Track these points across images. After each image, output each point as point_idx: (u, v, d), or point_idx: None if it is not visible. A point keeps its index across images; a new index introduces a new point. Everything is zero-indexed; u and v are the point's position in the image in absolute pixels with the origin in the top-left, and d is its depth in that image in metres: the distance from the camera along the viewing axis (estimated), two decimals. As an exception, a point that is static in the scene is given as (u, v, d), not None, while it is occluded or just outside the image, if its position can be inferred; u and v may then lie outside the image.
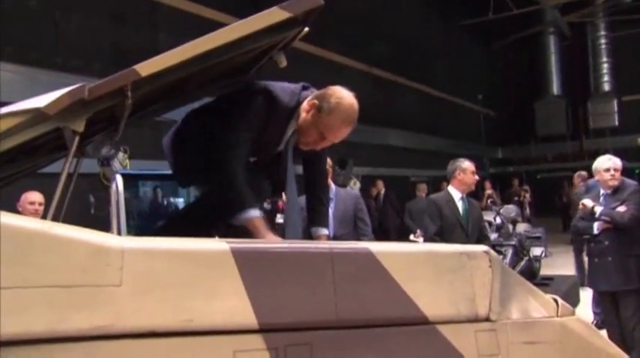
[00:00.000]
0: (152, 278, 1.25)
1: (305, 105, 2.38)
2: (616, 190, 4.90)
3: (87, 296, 1.19)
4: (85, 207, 7.60)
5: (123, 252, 1.24)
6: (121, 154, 4.04)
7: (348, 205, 5.00)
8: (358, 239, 4.98)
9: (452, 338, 1.42)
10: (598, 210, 4.85)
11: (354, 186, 10.96)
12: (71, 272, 1.18)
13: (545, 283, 7.92)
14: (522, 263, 7.14)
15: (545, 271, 8.77)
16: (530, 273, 7.75)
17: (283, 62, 2.46)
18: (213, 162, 2.25)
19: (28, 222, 1.20)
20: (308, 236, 2.69)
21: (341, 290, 1.35)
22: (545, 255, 7.90)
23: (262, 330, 1.30)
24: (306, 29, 2.39)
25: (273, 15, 1.91)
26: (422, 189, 11.96)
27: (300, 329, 1.32)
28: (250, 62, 2.60)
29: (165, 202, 10.53)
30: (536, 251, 7.58)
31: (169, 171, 2.72)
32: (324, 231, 2.68)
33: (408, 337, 1.40)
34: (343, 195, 5.13)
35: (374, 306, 1.38)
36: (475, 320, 1.46)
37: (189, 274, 1.28)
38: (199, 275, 1.28)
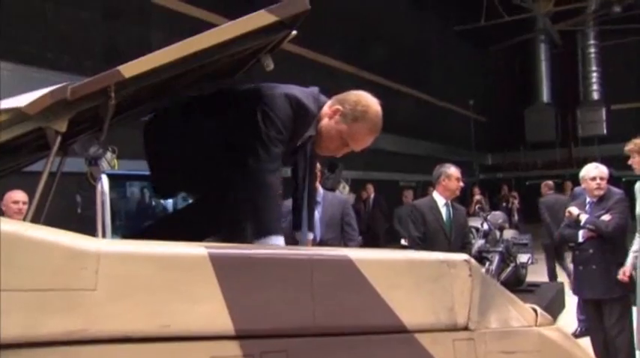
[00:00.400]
0: (128, 282, 1.24)
1: (327, 110, 2.27)
2: (602, 198, 4.93)
3: (61, 300, 1.17)
4: (72, 207, 7.56)
5: (99, 255, 1.22)
6: (109, 154, 4.01)
7: (336, 210, 5.00)
8: (345, 243, 4.99)
9: (430, 347, 1.41)
10: (583, 218, 4.88)
11: (343, 190, 10.96)
12: (45, 276, 1.16)
13: (531, 290, 7.96)
14: (509, 269, 7.16)
15: (531, 278, 8.82)
16: (517, 280, 7.78)
17: (270, 65, 2.42)
18: (249, 174, 2.08)
19: (3, 225, 1.18)
20: (292, 239, 2.67)
21: (319, 298, 1.34)
22: (532, 262, 7.93)
23: (239, 337, 1.28)
24: (294, 32, 2.39)
25: (260, 18, 1.90)
26: (408, 195, 12.06)
27: (277, 336, 1.31)
28: (238, 64, 2.59)
29: (153, 203, 10.50)
30: (523, 258, 7.60)
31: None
32: (310, 235, 2.66)
33: (385, 345, 1.40)
34: (331, 199, 5.12)
35: (352, 314, 1.37)
36: (454, 328, 1.46)
37: (166, 279, 1.26)
38: (176, 280, 1.27)
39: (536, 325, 1.59)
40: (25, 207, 4.87)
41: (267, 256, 1.37)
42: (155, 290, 1.25)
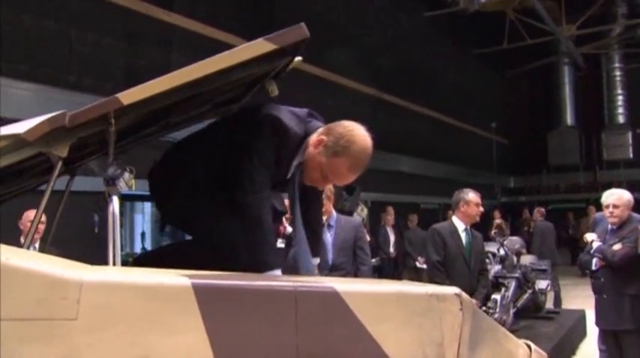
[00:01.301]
0: (110, 312, 1.23)
1: (314, 138, 2.17)
2: (621, 226, 4.82)
3: (41, 330, 1.17)
4: (90, 226, 7.64)
5: (81, 284, 1.22)
6: (127, 174, 4.04)
7: (348, 234, 4.97)
8: (357, 268, 4.95)
9: (417, 383, 1.38)
10: (595, 245, 4.78)
11: (362, 213, 10.90)
12: (25, 305, 1.17)
13: (550, 317, 7.79)
14: (526, 296, 7.02)
15: (551, 304, 8.64)
16: (535, 306, 7.63)
17: (275, 91, 2.41)
18: (238, 208, 2.03)
19: (-17, 253, 1.19)
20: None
21: (303, 331, 1.32)
22: (551, 288, 7.78)
23: (220, 369, 1.27)
24: (299, 58, 2.39)
25: (259, 47, 1.91)
26: (412, 219, 12.01)
27: (259, 369, 1.29)
28: (243, 89, 2.61)
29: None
30: (542, 284, 7.46)
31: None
32: (315, 261, 2.63)
33: (371, 380, 1.37)
34: (344, 223, 5.10)
35: (337, 348, 1.35)
36: (443, 364, 1.42)
37: (148, 309, 1.25)
38: (158, 311, 1.26)
39: (529, 362, 1.54)
40: (43, 226, 4.93)
41: (251, 287, 1.36)
42: (136, 321, 1.24)
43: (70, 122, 1.73)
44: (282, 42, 1.93)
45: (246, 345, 1.30)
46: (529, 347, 1.58)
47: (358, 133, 2.13)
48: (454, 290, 1.48)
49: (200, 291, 1.28)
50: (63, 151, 1.89)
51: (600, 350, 6.44)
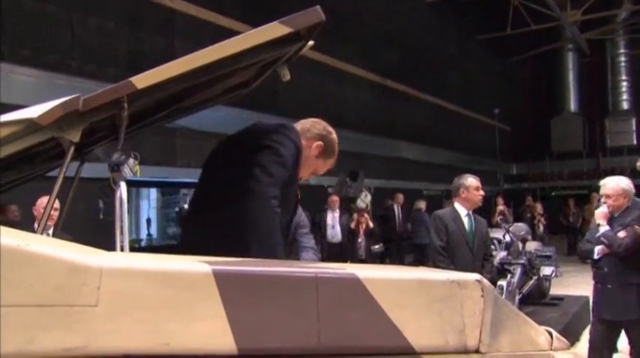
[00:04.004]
0: (130, 298, 1.22)
1: (308, 144, 2.39)
2: (625, 211, 4.74)
3: (61, 316, 1.16)
4: (95, 212, 7.63)
5: (101, 271, 1.20)
6: (131, 161, 3.99)
7: None
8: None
9: (438, 370, 1.37)
10: (602, 229, 4.69)
11: (365, 199, 10.86)
12: (46, 291, 1.15)
13: (554, 303, 7.80)
14: (531, 282, 7.03)
15: (555, 291, 8.65)
16: (540, 293, 7.64)
17: (287, 75, 2.40)
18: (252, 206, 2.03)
19: (4, 238, 1.17)
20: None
21: (324, 317, 1.31)
22: (556, 275, 7.77)
23: (241, 355, 1.26)
24: (311, 43, 2.36)
25: (274, 30, 1.88)
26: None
27: (281, 355, 1.28)
28: (255, 74, 2.58)
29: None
30: (547, 270, 7.46)
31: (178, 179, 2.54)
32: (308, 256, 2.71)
33: (392, 367, 1.36)
34: None
35: (358, 334, 1.34)
36: (464, 351, 1.40)
37: (168, 296, 1.24)
38: (179, 297, 1.25)
39: (550, 349, 1.53)
40: (57, 213, 4.89)
41: (272, 273, 1.35)
42: (156, 308, 1.23)
43: (83, 106, 1.70)
44: (297, 25, 1.90)
45: (268, 332, 1.28)
46: (550, 334, 1.57)
47: (333, 133, 2.50)
48: (475, 276, 1.46)
49: (221, 278, 1.27)
50: (75, 136, 1.86)
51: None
